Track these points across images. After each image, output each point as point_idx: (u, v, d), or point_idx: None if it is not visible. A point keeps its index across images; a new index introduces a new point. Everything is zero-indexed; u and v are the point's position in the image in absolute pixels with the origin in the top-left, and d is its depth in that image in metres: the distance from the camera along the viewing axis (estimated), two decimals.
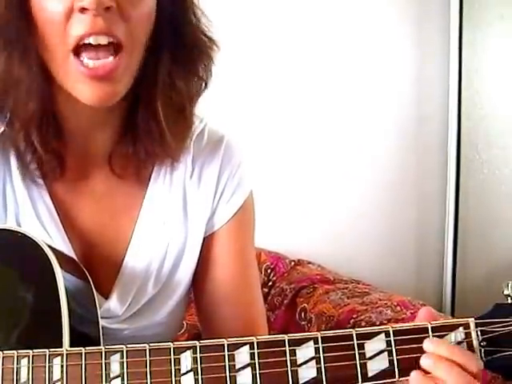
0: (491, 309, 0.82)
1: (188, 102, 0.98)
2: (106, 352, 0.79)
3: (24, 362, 0.79)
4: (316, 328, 1.75)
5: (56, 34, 0.84)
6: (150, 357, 0.79)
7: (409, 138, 2.43)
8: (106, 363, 0.79)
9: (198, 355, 0.79)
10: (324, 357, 0.79)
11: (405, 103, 2.40)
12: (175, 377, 0.79)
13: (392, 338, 0.80)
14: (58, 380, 0.78)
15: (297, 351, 0.79)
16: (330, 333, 0.80)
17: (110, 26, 0.83)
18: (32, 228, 0.94)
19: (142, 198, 1.01)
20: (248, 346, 0.79)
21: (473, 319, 0.81)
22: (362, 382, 0.79)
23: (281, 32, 2.20)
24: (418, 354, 0.79)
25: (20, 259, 0.86)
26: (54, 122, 0.93)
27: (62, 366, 0.79)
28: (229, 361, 0.79)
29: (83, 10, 0.82)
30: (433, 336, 0.80)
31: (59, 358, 0.79)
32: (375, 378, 0.79)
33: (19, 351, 0.79)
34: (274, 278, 2.00)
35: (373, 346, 0.79)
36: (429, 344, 0.79)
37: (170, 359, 0.79)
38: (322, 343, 0.79)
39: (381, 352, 0.79)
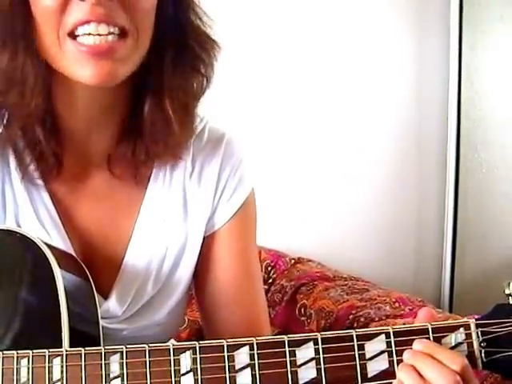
0: (492, 309, 0.82)
1: (191, 99, 0.98)
2: (105, 352, 0.79)
3: (24, 362, 0.79)
4: (316, 323, 1.75)
5: (52, 21, 0.83)
6: (149, 357, 0.79)
7: (408, 137, 2.43)
8: (105, 363, 0.79)
9: (198, 356, 0.79)
10: (324, 357, 0.79)
11: (405, 104, 2.40)
12: (175, 377, 0.79)
13: (392, 339, 0.80)
14: (58, 380, 0.79)
15: (297, 352, 0.79)
16: (330, 333, 0.80)
17: (110, 13, 0.82)
18: (32, 228, 0.94)
19: (141, 198, 1.01)
20: (248, 347, 0.79)
21: (473, 320, 0.81)
22: (362, 382, 0.79)
23: (281, 32, 2.20)
24: None
25: (19, 259, 0.86)
26: (53, 121, 0.93)
27: (61, 367, 0.79)
28: (228, 361, 0.79)
29: None
30: (433, 337, 0.80)
31: (59, 358, 0.79)
32: (375, 378, 0.79)
33: (19, 351, 0.79)
34: (274, 276, 2.00)
35: (373, 346, 0.80)
36: (415, 344, 0.80)
37: (170, 360, 0.79)
38: (322, 344, 0.79)
39: (381, 353, 0.80)
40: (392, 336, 0.80)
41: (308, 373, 0.79)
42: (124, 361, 0.79)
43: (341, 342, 0.80)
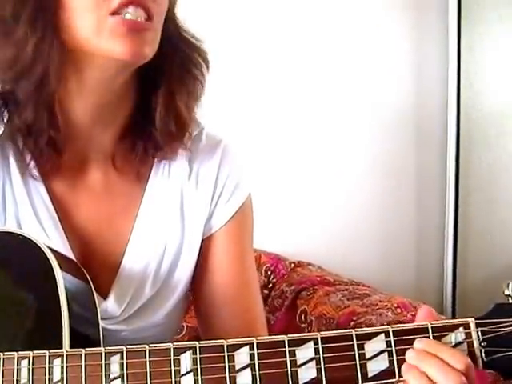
0: (491, 309, 0.82)
1: (193, 100, 1.01)
2: (105, 353, 0.79)
3: (24, 363, 0.79)
4: (316, 330, 1.74)
5: (91, 6, 0.85)
6: (149, 357, 0.79)
7: (408, 138, 2.43)
8: (105, 364, 0.79)
9: (198, 356, 0.79)
10: (324, 357, 0.79)
11: (404, 104, 2.40)
12: (175, 377, 0.79)
13: (392, 339, 0.80)
14: (59, 381, 0.79)
15: (296, 352, 0.79)
16: (330, 333, 0.80)
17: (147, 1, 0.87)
18: (31, 227, 0.94)
19: (140, 197, 1.02)
20: (248, 347, 0.79)
21: (473, 319, 0.81)
22: (362, 382, 0.79)
23: (280, 35, 2.20)
24: None
25: (21, 261, 0.87)
26: (59, 115, 0.93)
27: (62, 367, 0.79)
28: (228, 361, 0.79)
29: None
30: (433, 336, 0.80)
31: (59, 359, 0.79)
32: (375, 378, 0.79)
33: (19, 352, 0.79)
34: (274, 280, 2.00)
35: (373, 346, 0.79)
36: (417, 343, 0.80)
37: (170, 360, 0.79)
38: (322, 344, 0.79)
39: (381, 352, 0.79)
40: (392, 335, 0.80)
41: (308, 373, 0.79)
42: (124, 361, 0.79)
43: (341, 342, 0.79)
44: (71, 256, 0.96)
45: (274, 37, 2.20)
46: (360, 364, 0.79)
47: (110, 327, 0.97)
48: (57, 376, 0.79)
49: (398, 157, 2.42)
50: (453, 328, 0.80)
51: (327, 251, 2.24)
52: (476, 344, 0.80)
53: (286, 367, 0.79)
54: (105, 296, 0.97)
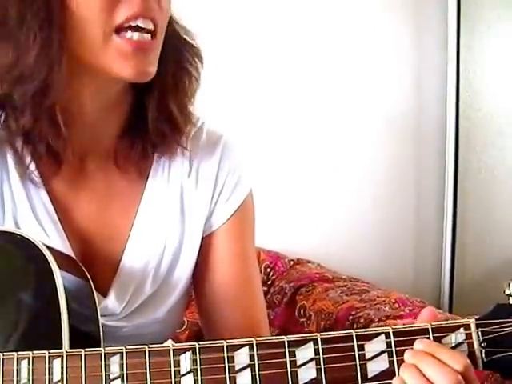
0: (492, 309, 0.82)
1: (188, 98, 1.01)
2: (105, 353, 0.79)
3: (24, 363, 0.79)
4: (315, 325, 1.75)
5: (101, 16, 0.85)
6: (149, 358, 0.79)
7: (408, 138, 2.43)
8: (105, 364, 0.79)
9: (198, 356, 0.79)
10: (324, 358, 0.79)
11: (403, 104, 2.40)
12: (175, 378, 0.79)
13: (392, 339, 0.80)
14: (58, 381, 0.79)
15: (296, 352, 0.79)
16: (330, 334, 0.80)
17: (154, 10, 0.87)
18: (30, 227, 0.94)
19: (139, 196, 1.01)
20: (247, 348, 0.79)
21: (473, 320, 0.81)
22: (362, 382, 0.79)
23: (281, 34, 2.20)
24: None
25: (19, 261, 0.87)
26: (58, 117, 0.93)
27: (62, 368, 0.79)
28: (228, 362, 0.79)
29: None
30: (433, 337, 0.80)
31: (59, 359, 0.79)
32: (375, 378, 0.79)
33: (19, 352, 0.79)
34: (274, 277, 2.00)
35: (373, 347, 0.79)
36: (417, 343, 0.80)
37: (170, 360, 0.79)
38: (322, 344, 0.79)
39: (381, 353, 0.79)
40: (392, 336, 0.80)
41: (308, 373, 0.79)
42: (124, 362, 0.79)
43: (341, 343, 0.79)
44: (71, 254, 0.95)
45: (274, 35, 2.20)
46: (360, 364, 0.79)
47: (111, 324, 0.97)
48: (57, 376, 0.79)
49: (397, 156, 2.42)
50: (453, 329, 0.80)
51: (326, 249, 2.24)
52: (476, 345, 0.80)
53: (286, 368, 0.79)
54: (105, 293, 0.98)
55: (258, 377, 0.78)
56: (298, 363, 0.79)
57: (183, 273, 1.04)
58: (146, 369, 0.78)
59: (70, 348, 0.82)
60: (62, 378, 0.78)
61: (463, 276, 2.44)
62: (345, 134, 2.34)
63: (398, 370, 0.79)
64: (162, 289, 1.02)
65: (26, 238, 0.86)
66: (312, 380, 0.79)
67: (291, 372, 0.79)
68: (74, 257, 0.96)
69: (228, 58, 1.93)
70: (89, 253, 0.99)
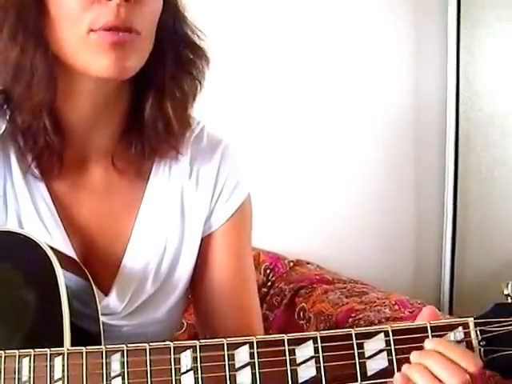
0: (491, 308, 0.82)
1: (188, 100, 1.01)
2: (106, 351, 0.80)
3: (25, 361, 0.79)
4: (315, 327, 1.75)
5: (75, 18, 0.86)
6: (150, 356, 0.79)
7: (407, 138, 2.43)
8: (106, 362, 0.79)
9: (198, 354, 0.79)
10: (323, 356, 0.79)
11: (403, 104, 2.40)
12: (175, 376, 0.79)
13: (391, 338, 0.80)
14: (59, 379, 0.79)
15: (296, 350, 0.79)
16: (330, 332, 0.80)
17: (129, 16, 0.86)
18: (33, 226, 0.95)
19: (141, 196, 1.02)
20: (248, 346, 0.80)
21: (472, 319, 0.81)
22: (361, 381, 0.79)
23: (280, 36, 2.20)
24: None
25: (22, 260, 0.87)
26: (56, 116, 0.94)
27: (63, 366, 0.79)
28: (228, 360, 0.79)
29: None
30: (432, 335, 0.80)
31: (60, 357, 0.79)
32: (374, 377, 0.80)
33: (21, 350, 0.80)
34: (273, 279, 2.00)
35: (372, 345, 0.80)
36: (427, 342, 0.80)
37: (170, 358, 0.79)
38: (322, 343, 0.80)
39: (380, 351, 0.80)
40: (391, 335, 0.80)
41: (308, 371, 0.79)
42: (125, 359, 0.79)
43: (340, 341, 0.80)
44: (72, 254, 0.96)
45: (274, 37, 2.20)
46: (359, 363, 0.79)
47: (112, 323, 0.97)
48: (58, 374, 0.79)
49: (398, 156, 2.42)
50: (452, 327, 0.81)
51: (326, 250, 2.24)
52: (475, 343, 0.80)
53: (286, 366, 0.79)
54: (106, 292, 0.98)
55: (257, 375, 0.79)
56: (298, 361, 0.79)
57: (183, 273, 1.04)
58: (146, 366, 0.79)
59: (71, 346, 0.82)
60: (63, 375, 0.79)
61: (463, 277, 2.44)
62: (344, 134, 2.34)
63: (398, 368, 0.79)
64: (163, 288, 1.03)
65: (29, 238, 0.87)
66: (312, 378, 0.79)
67: (291, 370, 0.79)
68: (75, 256, 0.96)
69: (227, 59, 1.93)
70: (90, 252, 0.99)
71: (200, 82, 1.01)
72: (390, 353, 0.80)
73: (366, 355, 0.80)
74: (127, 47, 0.87)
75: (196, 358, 0.79)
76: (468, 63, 2.35)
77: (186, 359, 0.79)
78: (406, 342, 0.80)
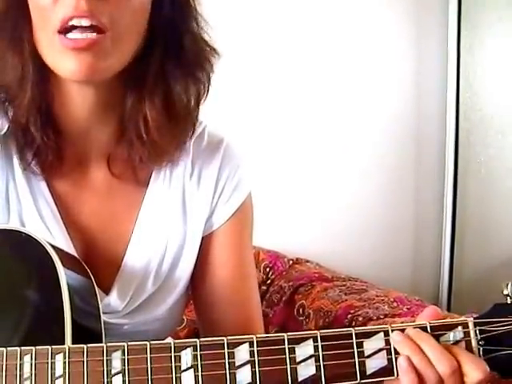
0: (490, 308, 0.83)
1: (184, 107, 0.97)
2: (107, 349, 0.80)
3: (27, 358, 0.79)
4: (314, 323, 1.76)
5: (44, 18, 0.85)
6: (150, 354, 0.79)
7: (407, 138, 2.43)
8: (107, 360, 0.79)
9: (199, 352, 0.80)
10: (323, 355, 0.80)
11: (403, 105, 2.41)
12: (176, 373, 0.79)
13: (391, 337, 0.80)
14: (61, 376, 0.79)
15: (296, 349, 0.80)
16: (330, 331, 0.81)
17: (92, 9, 0.82)
18: (34, 225, 0.95)
19: (141, 196, 1.02)
20: (248, 344, 0.80)
21: (471, 318, 0.81)
22: (361, 379, 0.80)
23: (280, 34, 2.21)
24: None
25: (24, 259, 0.87)
26: (53, 120, 0.94)
27: (64, 363, 0.79)
28: (229, 358, 0.79)
29: None
30: (431, 335, 0.81)
31: (61, 354, 0.79)
32: (374, 375, 0.80)
33: (22, 348, 0.80)
34: (273, 277, 2.01)
35: (371, 344, 0.80)
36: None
37: (171, 356, 0.79)
38: (321, 341, 0.80)
39: (379, 350, 0.80)
40: (391, 334, 0.81)
41: (307, 369, 0.80)
42: (126, 357, 0.79)
43: (340, 340, 0.80)
44: (73, 253, 0.96)
45: (274, 35, 2.20)
46: (359, 361, 0.80)
47: (113, 321, 0.97)
48: (59, 371, 0.79)
49: (397, 156, 2.42)
50: (451, 327, 0.81)
51: (325, 248, 2.25)
52: (474, 343, 0.81)
53: (286, 364, 0.79)
54: (108, 291, 0.98)
55: (257, 373, 0.79)
56: (298, 360, 0.80)
57: (184, 272, 1.05)
58: (147, 364, 0.79)
59: (73, 344, 0.82)
60: (65, 372, 0.79)
61: (462, 275, 2.45)
62: (344, 134, 2.35)
63: (397, 367, 0.80)
64: (164, 287, 1.03)
65: (30, 236, 0.87)
66: (311, 376, 0.80)
67: (291, 368, 0.79)
68: (76, 254, 0.96)
69: (228, 59, 1.93)
70: (91, 251, 0.99)
71: (205, 87, 0.99)
72: (389, 352, 0.80)
73: (366, 354, 0.80)
74: (94, 48, 0.84)
75: (196, 355, 0.79)
76: (468, 63, 2.35)
77: (187, 357, 0.80)
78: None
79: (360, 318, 1.64)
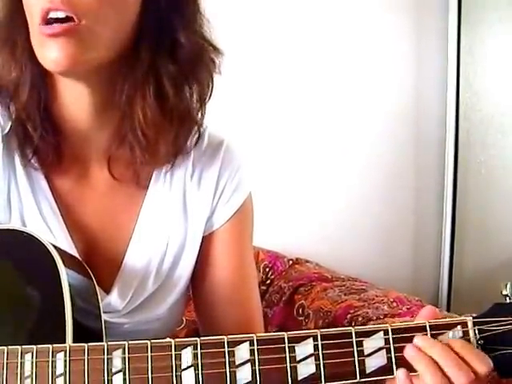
0: (489, 308, 0.83)
1: (179, 104, 0.96)
2: (108, 347, 0.80)
3: (28, 356, 0.80)
4: (313, 323, 1.76)
5: (30, 13, 0.86)
6: (151, 352, 0.80)
7: (408, 138, 2.44)
8: (108, 358, 0.80)
9: (199, 351, 0.80)
10: (323, 354, 0.80)
11: (403, 105, 2.41)
12: (176, 372, 0.79)
13: (390, 336, 0.81)
14: (61, 374, 0.79)
15: (296, 348, 0.80)
16: (329, 330, 0.81)
17: (68, 0, 0.82)
18: (36, 225, 0.95)
19: (142, 197, 1.02)
20: (248, 343, 0.80)
21: (471, 318, 0.82)
22: (360, 378, 0.80)
23: (281, 36, 2.21)
24: None
25: (25, 258, 0.87)
26: (53, 121, 0.95)
27: (65, 361, 0.79)
28: (229, 357, 0.80)
29: None
30: (430, 334, 0.81)
31: (62, 353, 0.80)
32: (373, 374, 0.80)
33: (23, 346, 0.80)
34: (273, 277, 2.01)
35: (371, 343, 0.80)
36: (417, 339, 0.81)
37: (171, 355, 0.80)
38: (321, 340, 0.80)
39: (379, 349, 0.80)
40: (390, 333, 0.81)
41: (307, 368, 0.80)
42: (126, 356, 0.80)
43: (340, 339, 0.80)
44: (74, 252, 0.96)
45: (275, 37, 2.20)
46: (358, 360, 0.80)
47: (113, 320, 0.98)
48: (60, 369, 0.79)
49: (397, 156, 2.43)
50: (451, 326, 0.81)
51: (325, 249, 2.25)
52: (474, 342, 0.81)
53: (286, 363, 0.80)
54: (108, 290, 0.99)
55: (257, 371, 0.79)
56: (298, 358, 0.80)
57: (184, 271, 1.05)
58: (147, 363, 0.79)
59: (74, 343, 0.82)
60: (65, 371, 0.79)
61: (461, 275, 2.45)
62: (344, 134, 2.35)
63: (396, 366, 0.80)
64: (164, 287, 1.03)
65: (32, 236, 0.87)
66: (311, 375, 0.80)
67: (291, 367, 0.80)
68: (77, 254, 0.97)
69: (227, 59, 1.93)
70: (92, 251, 1.00)
71: (207, 89, 0.98)
72: (388, 351, 0.80)
73: (365, 353, 0.80)
74: (73, 37, 0.84)
75: (197, 354, 0.80)
76: (468, 63, 2.36)
77: (187, 356, 0.80)
78: (405, 341, 0.81)
79: (360, 318, 1.64)
